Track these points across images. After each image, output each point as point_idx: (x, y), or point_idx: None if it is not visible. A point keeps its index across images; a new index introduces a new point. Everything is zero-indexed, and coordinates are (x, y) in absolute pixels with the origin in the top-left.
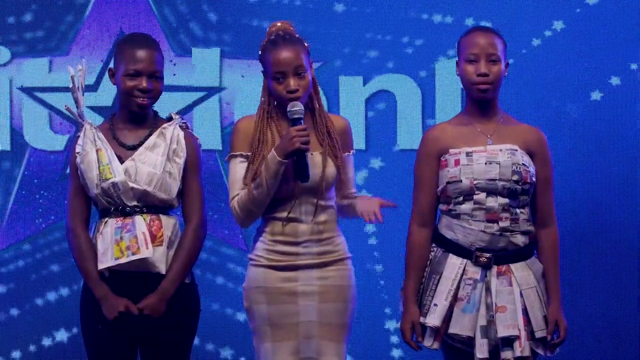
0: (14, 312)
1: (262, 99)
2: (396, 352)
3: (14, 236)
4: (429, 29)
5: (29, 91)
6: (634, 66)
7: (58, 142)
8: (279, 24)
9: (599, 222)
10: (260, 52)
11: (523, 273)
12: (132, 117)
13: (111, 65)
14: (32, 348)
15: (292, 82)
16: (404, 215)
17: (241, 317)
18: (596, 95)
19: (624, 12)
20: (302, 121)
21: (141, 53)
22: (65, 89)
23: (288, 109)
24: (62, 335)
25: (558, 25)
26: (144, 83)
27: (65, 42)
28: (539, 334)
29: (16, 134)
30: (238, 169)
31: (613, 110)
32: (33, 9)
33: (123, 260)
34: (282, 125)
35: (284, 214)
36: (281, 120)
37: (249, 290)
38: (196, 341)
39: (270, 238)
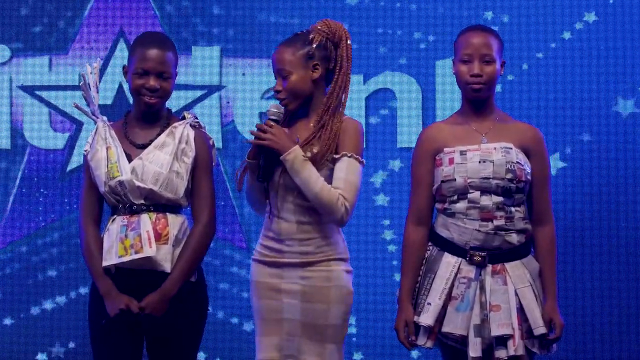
0: (8, 321)
1: None
2: (415, 353)
3: (13, 234)
4: (431, 30)
5: (29, 89)
6: None
7: (58, 141)
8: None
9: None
10: None
11: (518, 272)
12: (144, 115)
13: (126, 63)
14: None
15: (277, 84)
16: (398, 213)
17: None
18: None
19: None
20: (278, 123)
21: (151, 52)
22: (65, 87)
23: (269, 108)
24: (57, 351)
25: (590, 17)
26: (151, 81)
27: (65, 40)
28: (538, 331)
29: (16, 133)
30: None
31: None
32: (33, 7)
33: (126, 259)
34: (287, 125)
35: (270, 213)
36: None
37: (249, 285)
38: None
39: (263, 233)
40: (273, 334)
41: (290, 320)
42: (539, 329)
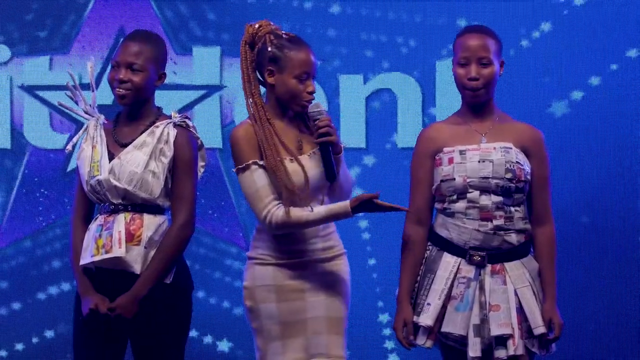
0: (17, 306)
1: (253, 99)
2: (389, 344)
3: (14, 234)
4: (431, 29)
5: (30, 89)
6: (614, 67)
7: (58, 141)
8: (273, 25)
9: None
10: (273, 45)
11: (518, 272)
12: (130, 113)
13: None
14: (35, 340)
15: (312, 85)
16: (401, 213)
17: (238, 311)
18: (577, 95)
19: (607, 13)
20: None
21: (127, 45)
22: (66, 88)
23: (310, 110)
24: (62, 329)
25: (545, 26)
26: (120, 74)
27: (66, 40)
28: (537, 331)
29: (17, 133)
30: (257, 176)
31: (594, 110)
32: (34, 7)
33: (97, 258)
34: (277, 125)
35: None
36: (276, 120)
37: (253, 289)
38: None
39: (276, 236)
40: (297, 335)
41: (315, 318)
42: (539, 328)
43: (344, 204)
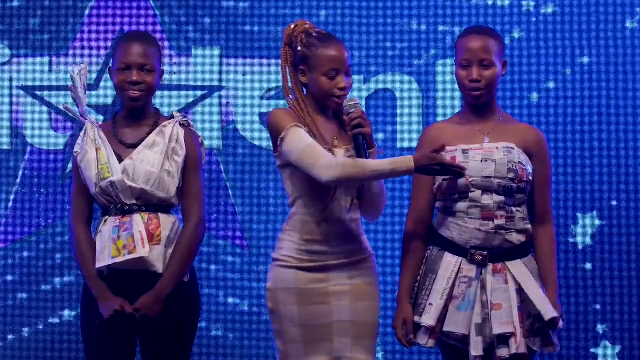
0: (22, 296)
1: (293, 96)
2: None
3: (14, 235)
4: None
5: (30, 90)
6: (567, 71)
7: (58, 141)
8: (307, 24)
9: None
10: (302, 45)
11: (519, 269)
12: (132, 114)
13: (111, 64)
14: (40, 326)
15: (344, 81)
16: (399, 212)
17: (231, 301)
18: (534, 97)
19: (565, 23)
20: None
21: (132, 47)
22: (66, 88)
23: (345, 104)
24: (67, 315)
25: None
26: (134, 75)
27: (66, 41)
28: (548, 316)
29: (16, 133)
30: (305, 135)
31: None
32: (35, 8)
33: (119, 259)
34: (317, 120)
35: (318, 213)
36: (315, 116)
37: (275, 291)
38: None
39: (301, 237)
40: (321, 340)
41: (340, 322)
42: (549, 313)
43: (407, 157)
